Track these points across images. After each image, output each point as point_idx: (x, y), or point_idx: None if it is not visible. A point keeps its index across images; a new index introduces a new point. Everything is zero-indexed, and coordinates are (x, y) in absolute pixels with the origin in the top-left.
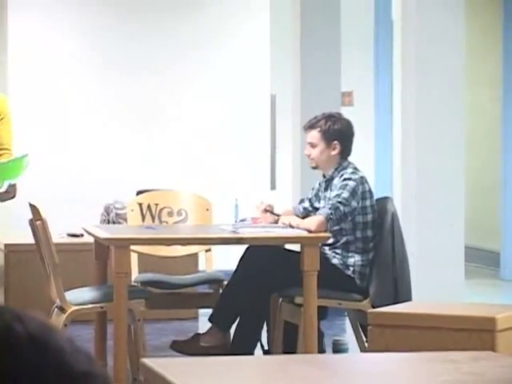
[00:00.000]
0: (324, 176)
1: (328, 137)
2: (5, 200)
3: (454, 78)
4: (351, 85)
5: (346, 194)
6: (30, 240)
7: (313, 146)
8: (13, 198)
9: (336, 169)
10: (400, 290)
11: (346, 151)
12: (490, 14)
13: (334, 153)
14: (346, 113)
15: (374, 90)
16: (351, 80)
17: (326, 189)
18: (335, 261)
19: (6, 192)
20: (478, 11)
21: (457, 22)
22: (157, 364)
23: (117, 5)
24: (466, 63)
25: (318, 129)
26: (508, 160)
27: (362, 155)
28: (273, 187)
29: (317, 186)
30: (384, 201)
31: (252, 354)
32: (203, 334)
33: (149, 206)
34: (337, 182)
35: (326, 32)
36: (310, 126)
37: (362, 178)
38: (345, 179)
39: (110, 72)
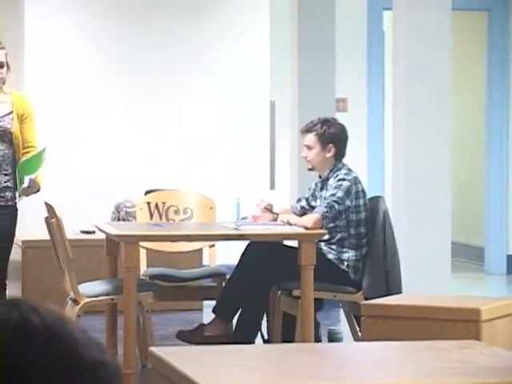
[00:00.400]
0: (320, 176)
1: (323, 140)
2: (29, 194)
3: (440, 85)
4: (345, 91)
5: (340, 194)
6: (46, 237)
7: (309, 148)
8: (37, 191)
9: (331, 170)
10: (391, 283)
11: (340, 153)
12: (475, 25)
13: (329, 155)
14: (341, 118)
15: (367, 96)
16: (345, 87)
17: (321, 188)
18: (330, 256)
19: (29, 187)
20: (463, 25)
21: (444, 34)
22: (164, 352)
23: (128, 12)
24: (452, 71)
25: (314, 132)
26: (492, 162)
27: (355, 157)
28: (272, 187)
29: (313, 185)
30: (376, 200)
31: (253, 342)
32: (207, 324)
33: (156, 205)
34: (332, 182)
35: (322, 42)
36: (307, 130)
37: (355, 178)
38: (339, 180)
39: (121, 78)
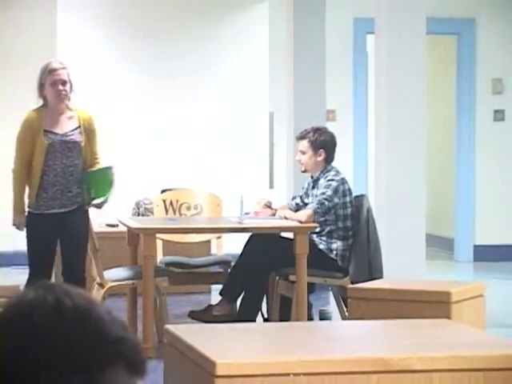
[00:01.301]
0: (312, 177)
1: (315, 146)
2: (101, 207)
3: (416, 99)
4: (334, 104)
5: (329, 192)
6: None
7: (303, 153)
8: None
9: (322, 171)
10: (373, 270)
11: (330, 157)
12: (446, 48)
13: (320, 159)
14: (330, 127)
15: (353, 108)
16: (334, 100)
17: (313, 188)
18: (321, 246)
19: (102, 202)
20: (435, 47)
21: (419, 55)
22: (177, 329)
23: (150, 30)
24: (426, 89)
25: (308, 139)
26: (460, 165)
27: (342, 160)
28: (271, 186)
29: (306, 185)
30: (360, 198)
31: (254, 321)
32: (215, 305)
33: (171, 202)
34: (322, 182)
35: (314, 61)
36: (301, 137)
37: (342, 179)
38: (329, 180)
39: (142, 90)
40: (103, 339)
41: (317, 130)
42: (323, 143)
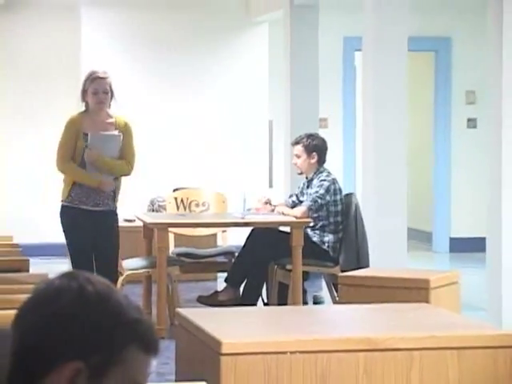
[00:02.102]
0: (306, 178)
1: (309, 150)
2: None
3: (398, 109)
4: (326, 113)
5: (322, 191)
6: None
7: (298, 156)
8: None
9: (315, 172)
10: (361, 260)
11: (322, 160)
12: (425, 63)
13: (313, 161)
14: (322, 133)
15: (343, 116)
16: (326, 109)
17: (307, 187)
18: (315, 239)
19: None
20: (415, 62)
21: (401, 70)
22: (188, 312)
23: (165, 48)
24: (407, 99)
25: (302, 144)
26: (438, 167)
27: (333, 163)
28: (270, 186)
29: (301, 185)
30: (349, 196)
31: (255, 305)
32: (220, 291)
33: (182, 200)
34: (315, 182)
35: (308, 75)
36: (296, 142)
37: (333, 179)
38: (321, 180)
39: (157, 102)
40: (121, 321)
41: (310, 135)
42: (316, 147)
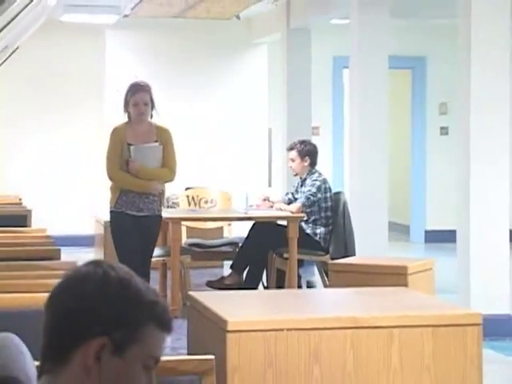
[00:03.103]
0: (300, 178)
1: (302, 154)
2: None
3: (380, 119)
4: (318, 122)
5: (314, 190)
6: None
7: (293, 160)
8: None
9: (308, 173)
10: (348, 249)
11: (313, 162)
12: (403, 79)
13: (306, 164)
14: (314, 139)
15: (332, 125)
16: (318, 119)
17: (301, 186)
18: (308, 231)
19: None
20: (394, 79)
21: (382, 86)
22: (198, 295)
23: (180, 64)
24: (387, 110)
25: (296, 149)
26: (415, 168)
27: (324, 165)
28: (270, 185)
29: (296, 184)
30: (338, 194)
31: (256, 289)
32: (226, 276)
33: (193, 197)
34: (308, 181)
35: (302, 89)
36: (291, 148)
37: (324, 179)
38: (313, 180)
39: (175, 112)
40: (140, 302)
41: (302, 142)
42: (308, 152)
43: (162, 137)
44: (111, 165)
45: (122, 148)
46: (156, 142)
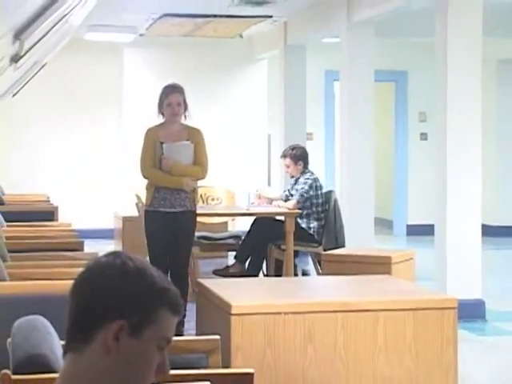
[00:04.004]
0: (293, 177)
1: (295, 159)
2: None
3: (367, 126)
4: (312, 128)
5: (306, 187)
6: (135, 213)
7: (287, 166)
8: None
9: (301, 173)
10: (339, 241)
11: (306, 164)
12: (387, 91)
13: (300, 167)
14: (309, 144)
15: (325, 131)
16: (312, 126)
17: (295, 184)
18: (303, 225)
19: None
20: (380, 90)
21: (369, 97)
22: (206, 282)
23: (190, 79)
24: (373, 118)
25: (289, 156)
26: (398, 170)
27: (317, 166)
28: (269, 184)
29: (292, 183)
30: (330, 192)
31: (257, 276)
32: (231, 265)
33: (201, 195)
34: (301, 180)
35: (298, 99)
36: (284, 156)
37: (315, 178)
38: (306, 179)
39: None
40: (154, 289)
41: (293, 148)
42: (300, 156)
43: (194, 136)
44: (145, 164)
45: (155, 147)
46: (188, 140)
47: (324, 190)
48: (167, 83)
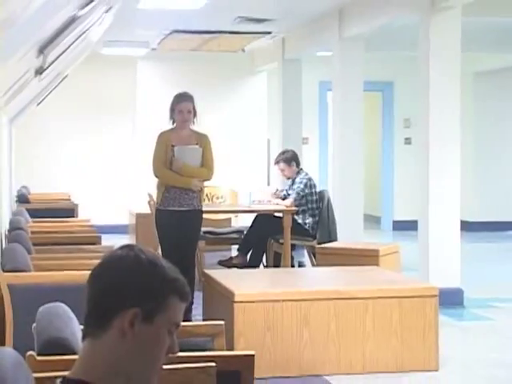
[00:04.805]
0: (291, 178)
1: (288, 162)
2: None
3: (357, 131)
4: (307, 133)
5: (302, 186)
6: (147, 211)
7: (282, 170)
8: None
9: (297, 174)
10: (332, 236)
11: (298, 163)
12: (374, 100)
13: (294, 168)
14: (305, 148)
15: (319, 136)
16: (307, 131)
17: (292, 184)
18: (299, 221)
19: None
20: (367, 99)
21: (358, 105)
22: (211, 272)
23: (197, 89)
24: (363, 125)
25: (282, 161)
26: (384, 171)
27: (312, 168)
28: (268, 184)
29: (289, 183)
30: (323, 191)
31: (258, 267)
32: (234, 257)
33: (207, 194)
34: (297, 179)
35: (295, 107)
36: (277, 162)
37: (309, 177)
38: (301, 178)
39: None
40: (165, 278)
41: (283, 152)
42: (291, 157)
43: (202, 141)
44: (157, 164)
45: (166, 150)
46: (196, 144)
47: (318, 190)
48: (178, 92)
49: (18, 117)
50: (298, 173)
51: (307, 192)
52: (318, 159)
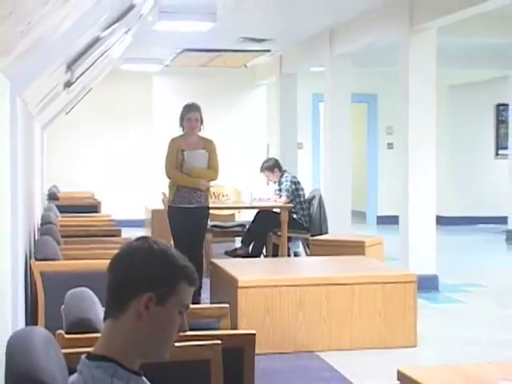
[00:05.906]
0: (277, 182)
1: (271, 169)
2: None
3: (345, 138)
4: (302, 139)
5: (289, 183)
6: (161, 207)
7: (268, 176)
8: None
9: (281, 176)
10: (323, 229)
11: (280, 169)
12: (360, 111)
13: (277, 173)
14: (299, 152)
15: (312, 142)
16: (302, 137)
17: (280, 185)
18: (294, 216)
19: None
20: (353, 110)
21: (346, 115)
22: (217, 261)
23: (203, 100)
24: (351, 132)
25: (266, 169)
26: (369, 172)
27: (305, 170)
28: (267, 184)
29: (277, 187)
30: (315, 190)
31: (259, 257)
32: (238, 248)
33: (213, 193)
34: (283, 180)
35: (291, 116)
36: (262, 170)
37: (293, 176)
38: (286, 177)
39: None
40: (176, 266)
41: (266, 161)
42: (273, 165)
43: (208, 146)
44: (169, 166)
45: (177, 154)
46: (203, 149)
47: (311, 189)
48: (187, 103)
49: (49, 124)
50: (282, 175)
51: (294, 188)
52: (311, 162)
